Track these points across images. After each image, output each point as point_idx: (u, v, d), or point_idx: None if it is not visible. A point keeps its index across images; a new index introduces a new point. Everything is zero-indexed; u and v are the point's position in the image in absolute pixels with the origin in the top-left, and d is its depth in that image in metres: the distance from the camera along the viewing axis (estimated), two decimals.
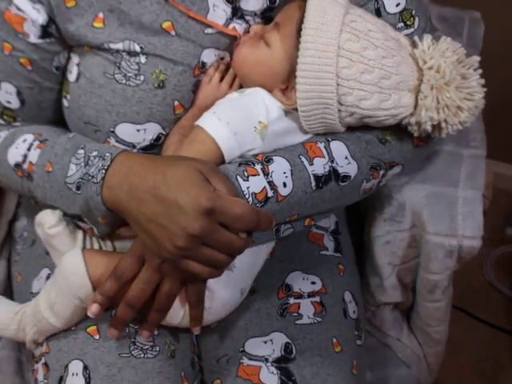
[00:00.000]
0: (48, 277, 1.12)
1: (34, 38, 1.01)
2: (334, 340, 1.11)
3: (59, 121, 1.11)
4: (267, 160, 0.98)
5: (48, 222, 1.01)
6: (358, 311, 1.19)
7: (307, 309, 1.12)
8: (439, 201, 1.19)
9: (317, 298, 1.14)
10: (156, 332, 1.04)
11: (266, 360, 1.07)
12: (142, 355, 1.04)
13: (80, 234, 1.04)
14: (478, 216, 1.18)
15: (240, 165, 0.97)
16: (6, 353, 1.21)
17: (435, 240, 1.18)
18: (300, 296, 1.14)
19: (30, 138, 1.06)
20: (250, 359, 1.08)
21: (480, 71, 1.00)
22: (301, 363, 1.07)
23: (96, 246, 1.05)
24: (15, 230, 1.30)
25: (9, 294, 1.23)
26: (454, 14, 1.40)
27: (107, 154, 0.97)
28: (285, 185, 0.97)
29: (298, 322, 1.11)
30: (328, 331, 1.11)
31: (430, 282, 1.23)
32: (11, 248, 1.28)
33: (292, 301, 1.13)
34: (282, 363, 1.07)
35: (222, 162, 0.98)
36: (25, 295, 1.15)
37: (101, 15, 0.99)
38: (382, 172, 1.06)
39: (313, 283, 1.15)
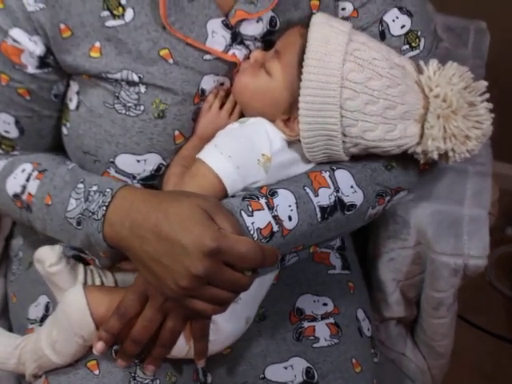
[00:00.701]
0: (47, 305, 1.11)
1: (31, 69, 0.99)
2: (354, 360, 1.11)
3: (59, 147, 1.09)
4: (272, 193, 0.96)
5: (48, 260, 0.99)
6: (371, 328, 1.19)
7: (323, 331, 1.12)
8: (444, 219, 1.18)
9: (331, 320, 1.13)
10: (156, 370, 1.03)
11: None
12: None
13: (81, 270, 1.03)
14: (484, 235, 1.18)
15: (244, 199, 0.95)
16: (6, 372, 1.17)
17: (441, 259, 1.17)
18: (313, 319, 1.13)
19: (28, 167, 1.04)
20: None
21: (487, 95, 0.98)
22: None
23: (97, 281, 1.04)
24: (11, 248, 1.28)
25: (6, 312, 1.23)
26: (459, 23, 1.39)
27: (108, 190, 0.95)
28: (290, 218, 0.96)
29: (315, 345, 1.10)
30: (347, 352, 1.11)
31: (435, 300, 1.22)
32: (7, 266, 1.27)
33: (306, 324, 1.12)
34: None
35: (225, 196, 0.96)
36: (21, 320, 1.14)
37: (97, 44, 0.97)
38: (387, 198, 1.05)
39: (324, 305, 1.15)
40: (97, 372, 1.03)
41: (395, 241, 1.23)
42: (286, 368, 1.08)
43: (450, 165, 1.19)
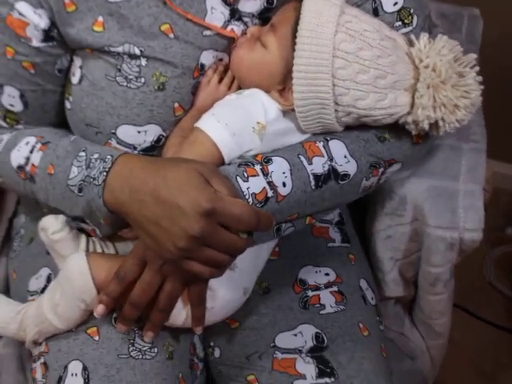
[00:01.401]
0: (48, 276, 1.14)
1: (36, 42, 1.02)
2: (361, 325, 1.13)
3: (62, 123, 1.12)
4: (266, 160, 0.99)
5: (51, 227, 1.02)
6: (375, 298, 1.21)
7: (328, 299, 1.14)
8: (440, 194, 1.20)
9: (334, 288, 1.16)
10: (155, 337, 1.04)
11: (300, 351, 1.09)
12: (141, 356, 1.05)
13: (83, 239, 1.06)
14: (479, 209, 1.19)
15: (240, 166, 0.98)
16: (9, 350, 1.22)
17: (436, 233, 1.19)
18: (317, 288, 1.15)
19: (32, 140, 1.07)
20: (283, 353, 1.10)
21: (477, 68, 1.01)
22: (334, 350, 1.09)
23: (99, 251, 1.06)
24: (13, 227, 1.31)
25: (8, 292, 1.24)
26: (453, 10, 1.41)
27: (108, 157, 0.98)
28: (284, 185, 0.98)
29: (322, 312, 1.13)
30: (353, 317, 1.14)
31: (432, 275, 1.24)
32: (9, 246, 1.30)
33: (311, 293, 1.15)
34: (316, 352, 1.09)
35: (222, 163, 0.99)
36: (21, 292, 1.16)
37: (100, 19, 1.00)
38: (381, 170, 1.07)
39: (326, 274, 1.17)
40: (97, 338, 1.05)
41: (392, 217, 1.25)
42: (295, 335, 1.11)
43: (445, 142, 1.23)
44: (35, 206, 1.13)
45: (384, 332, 1.20)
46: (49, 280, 1.14)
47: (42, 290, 1.12)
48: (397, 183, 1.23)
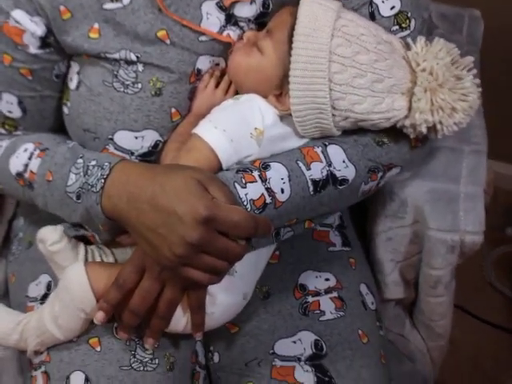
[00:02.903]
0: (48, 284, 1.14)
1: (33, 49, 1.02)
2: (360, 332, 1.13)
3: (60, 128, 1.13)
4: (264, 166, 0.99)
5: (50, 239, 1.02)
6: (375, 303, 1.21)
7: (328, 305, 1.14)
8: (441, 197, 1.20)
9: (334, 294, 1.15)
10: (156, 344, 1.04)
11: (299, 359, 1.08)
12: (142, 368, 1.05)
13: (82, 248, 1.05)
14: (480, 211, 1.19)
15: (237, 172, 0.98)
16: (10, 353, 1.21)
17: (437, 236, 1.19)
18: (317, 293, 1.15)
19: (30, 147, 1.07)
20: (283, 360, 1.09)
21: (475, 71, 1.00)
22: (333, 358, 1.09)
23: (98, 259, 1.06)
24: (12, 229, 1.31)
25: (8, 294, 1.25)
26: (453, 11, 1.41)
27: (106, 164, 0.98)
28: (282, 191, 0.98)
29: (321, 318, 1.12)
30: (353, 324, 1.13)
31: (433, 278, 1.23)
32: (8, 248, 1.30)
33: (310, 299, 1.14)
34: (315, 360, 1.08)
35: (220, 169, 0.99)
36: (20, 298, 1.16)
37: (96, 26, 1.00)
38: (380, 174, 1.06)
39: (327, 280, 1.17)
40: (98, 349, 1.05)
41: (393, 219, 1.25)
42: (294, 342, 1.10)
43: (446, 144, 1.23)
44: (34, 208, 1.13)
45: (384, 336, 1.20)
46: (48, 287, 1.13)
47: (42, 298, 1.13)
48: (397, 185, 1.22)
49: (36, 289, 1.15)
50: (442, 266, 1.21)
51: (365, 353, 1.11)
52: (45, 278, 1.15)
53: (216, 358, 1.16)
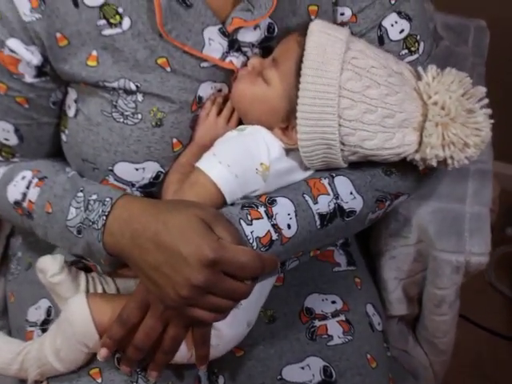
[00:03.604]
0: (48, 309, 1.12)
1: (29, 78, 0.99)
2: (369, 356, 1.11)
3: (59, 153, 1.09)
4: (271, 202, 0.96)
5: (50, 270, 1.00)
6: (382, 323, 1.19)
7: (335, 329, 1.12)
8: (446, 217, 1.18)
9: (342, 317, 1.13)
10: (159, 376, 1.03)
11: None
12: None
13: (83, 278, 1.03)
14: (486, 232, 1.18)
15: (243, 207, 0.95)
16: (10, 381, 1.17)
17: (442, 256, 1.17)
18: (324, 317, 1.13)
19: (28, 175, 1.04)
20: None
21: (486, 101, 0.98)
22: None
23: (99, 289, 1.04)
24: (10, 247, 1.29)
25: (6, 312, 1.23)
26: (459, 22, 1.38)
27: (107, 199, 0.95)
28: (289, 226, 0.96)
29: (329, 343, 1.10)
30: (361, 348, 1.11)
31: (437, 297, 1.22)
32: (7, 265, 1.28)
33: (317, 323, 1.12)
34: None
35: (224, 204, 0.96)
36: (19, 321, 1.14)
37: (94, 53, 0.97)
38: (387, 203, 1.05)
39: (333, 302, 1.15)
40: (99, 380, 1.03)
41: (397, 239, 1.23)
42: (303, 368, 1.09)
43: None
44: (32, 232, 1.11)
45: (391, 357, 1.19)
46: (48, 313, 1.12)
47: (42, 323, 1.11)
48: (402, 205, 1.20)
49: (36, 313, 1.13)
50: (447, 285, 1.20)
51: (374, 378, 1.10)
52: (44, 303, 1.13)
53: (221, 381, 1.14)
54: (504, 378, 1.87)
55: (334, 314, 1.13)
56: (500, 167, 2.02)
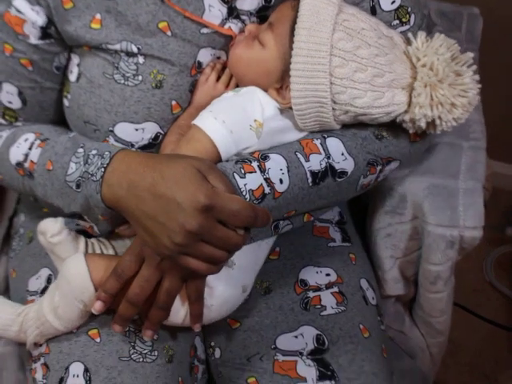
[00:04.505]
0: (48, 277, 1.14)
1: (34, 40, 1.03)
2: (361, 326, 1.13)
3: (61, 120, 1.13)
4: (263, 157, 0.99)
5: (50, 230, 1.02)
6: (376, 297, 1.21)
7: (329, 300, 1.14)
8: (440, 192, 1.20)
9: (335, 289, 1.15)
10: (155, 336, 1.05)
11: (301, 354, 1.08)
12: (141, 359, 1.05)
13: (82, 241, 1.06)
14: (479, 207, 1.19)
15: (237, 162, 0.98)
16: (10, 348, 1.21)
17: (436, 231, 1.18)
18: (318, 289, 1.15)
19: (31, 137, 1.08)
20: (285, 355, 1.09)
21: (474, 67, 1.00)
22: (335, 352, 1.08)
23: (98, 252, 1.06)
24: (12, 226, 1.31)
25: (8, 290, 1.25)
26: (452, 8, 1.41)
27: (106, 153, 0.98)
28: (281, 181, 0.98)
29: (323, 313, 1.12)
30: (354, 318, 1.13)
31: (432, 273, 1.23)
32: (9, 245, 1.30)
33: (311, 294, 1.14)
34: (317, 355, 1.08)
35: (219, 160, 0.99)
36: (20, 292, 1.16)
37: (98, 16, 1.00)
38: (379, 167, 1.07)
39: (327, 275, 1.17)
40: (98, 340, 1.05)
41: (392, 215, 1.25)
42: (296, 337, 1.10)
43: (445, 140, 1.23)
44: (35, 205, 1.13)
45: (385, 331, 1.20)
46: (49, 281, 1.14)
47: (42, 291, 1.13)
48: (397, 181, 1.22)
49: (36, 283, 1.15)
50: (442, 261, 1.21)
51: (366, 347, 1.11)
52: (45, 272, 1.15)
53: (217, 353, 1.16)
54: (503, 375, 1.87)
55: (328, 286, 1.15)
56: (499, 167, 2.04)
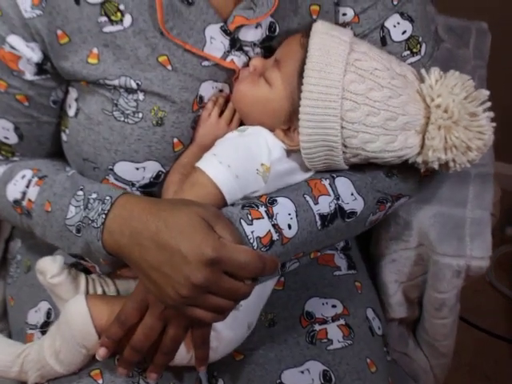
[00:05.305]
0: (48, 311, 1.11)
1: (29, 76, 0.98)
2: (368, 360, 1.11)
3: (59, 153, 1.09)
4: (271, 202, 0.96)
5: (50, 271, 0.99)
6: (382, 327, 1.19)
7: (335, 333, 1.11)
8: (447, 221, 1.17)
9: (341, 321, 1.13)
10: (159, 378, 1.02)
11: None
12: None
13: (83, 279, 1.02)
14: (487, 236, 1.17)
15: (243, 207, 0.95)
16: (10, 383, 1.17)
17: (443, 260, 1.16)
18: (324, 321, 1.12)
19: (28, 174, 1.04)
20: None
21: (489, 104, 0.97)
22: None
23: (99, 290, 1.03)
24: (9, 250, 1.28)
25: (6, 315, 1.23)
26: (460, 24, 1.37)
27: (107, 198, 0.95)
28: (290, 227, 0.95)
29: (329, 347, 1.10)
30: (361, 352, 1.11)
31: (438, 301, 1.21)
32: (6, 269, 1.27)
33: (317, 327, 1.12)
34: None
35: (224, 204, 0.96)
36: (19, 324, 1.14)
37: (95, 51, 0.96)
38: (388, 204, 1.04)
39: (333, 306, 1.14)
40: (100, 381, 1.02)
41: (397, 242, 1.22)
42: (302, 372, 1.08)
43: None
44: (30, 234, 1.10)
45: (391, 361, 1.19)
46: (48, 315, 1.11)
47: (42, 325, 1.10)
48: (403, 208, 1.19)
49: (35, 316, 1.12)
50: (448, 289, 1.19)
51: (374, 382, 1.09)
52: (44, 306, 1.12)
53: None
54: (504, 378, 1.87)
55: (334, 318, 1.13)
56: (500, 167, 2.02)
